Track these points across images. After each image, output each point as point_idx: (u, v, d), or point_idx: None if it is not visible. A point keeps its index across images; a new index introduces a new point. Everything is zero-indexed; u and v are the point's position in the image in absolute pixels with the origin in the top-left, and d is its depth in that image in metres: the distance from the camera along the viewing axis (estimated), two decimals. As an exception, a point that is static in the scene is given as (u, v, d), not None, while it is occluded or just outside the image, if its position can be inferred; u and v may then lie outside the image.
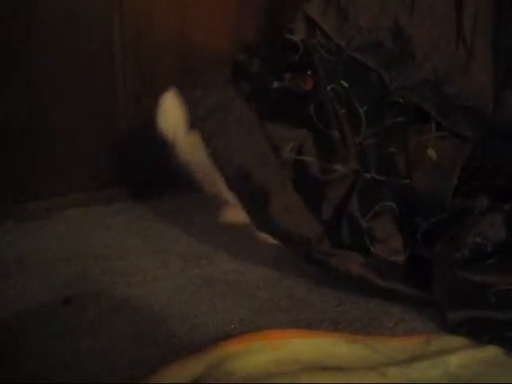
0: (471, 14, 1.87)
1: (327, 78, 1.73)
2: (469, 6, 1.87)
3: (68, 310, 1.45)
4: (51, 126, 1.91)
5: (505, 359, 1.26)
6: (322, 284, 1.56)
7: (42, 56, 1.86)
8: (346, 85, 1.75)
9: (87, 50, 1.93)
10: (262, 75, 1.75)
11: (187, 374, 1.20)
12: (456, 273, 1.43)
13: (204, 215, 1.87)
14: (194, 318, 1.42)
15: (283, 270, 1.63)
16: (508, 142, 1.71)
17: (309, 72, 1.73)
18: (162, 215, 1.95)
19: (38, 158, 1.91)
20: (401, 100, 1.79)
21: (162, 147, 1.66)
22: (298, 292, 1.54)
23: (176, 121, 1.68)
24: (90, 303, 1.47)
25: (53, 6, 1.85)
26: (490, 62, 1.86)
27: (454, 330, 1.36)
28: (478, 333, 1.32)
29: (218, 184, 1.66)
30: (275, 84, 1.71)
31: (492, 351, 1.28)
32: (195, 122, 1.65)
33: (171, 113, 1.69)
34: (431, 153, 1.71)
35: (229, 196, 1.64)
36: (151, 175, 2.02)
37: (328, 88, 1.72)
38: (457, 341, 1.32)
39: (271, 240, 1.67)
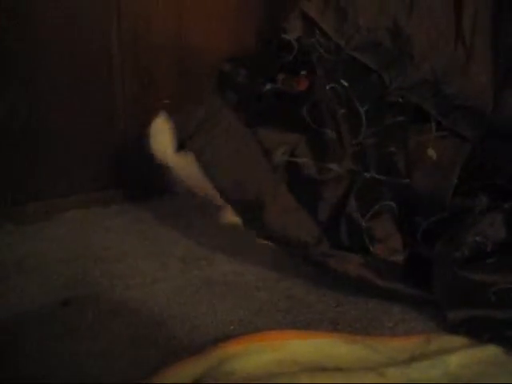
0: (470, 14, 1.87)
1: (326, 77, 1.73)
2: (468, 7, 1.87)
3: (67, 312, 1.45)
4: (51, 126, 1.91)
5: (505, 358, 1.26)
6: (321, 285, 1.56)
7: (41, 56, 1.86)
8: (345, 84, 1.75)
9: (86, 51, 1.93)
10: (249, 83, 1.75)
11: (187, 375, 1.20)
12: (456, 272, 1.43)
13: (203, 217, 1.87)
14: (193, 320, 1.42)
15: (282, 271, 1.63)
16: (507, 142, 1.71)
17: (303, 72, 1.73)
18: (161, 217, 1.95)
19: (37, 158, 1.91)
20: (400, 100, 1.79)
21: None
22: (297, 293, 1.53)
23: (166, 144, 1.70)
24: (89, 305, 1.46)
25: (51, 6, 1.85)
26: (490, 62, 1.86)
27: (454, 329, 1.36)
28: (478, 332, 1.32)
29: (213, 195, 1.67)
30: (268, 86, 1.71)
31: (492, 350, 1.27)
32: (185, 141, 1.66)
33: (161, 137, 1.71)
34: (431, 152, 1.71)
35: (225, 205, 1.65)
36: (150, 176, 2.01)
37: (327, 87, 1.72)
38: (457, 340, 1.32)
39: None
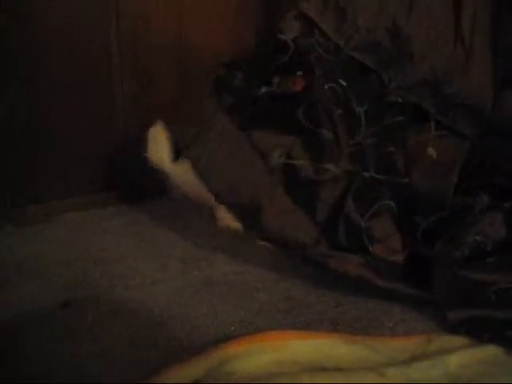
0: (470, 14, 1.87)
1: (325, 77, 1.73)
2: (467, 7, 1.88)
3: (67, 313, 1.45)
4: (51, 125, 1.91)
5: (505, 359, 1.26)
6: (320, 285, 1.55)
7: (41, 56, 1.86)
8: (344, 84, 1.75)
9: (85, 51, 1.93)
10: (245, 86, 1.75)
11: (188, 375, 1.20)
12: (456, 271, 1.43)
13: (200, 218, 1.85)
14: (193, 321, 1.42)
15: (281, 272, 1.63)
16: (507, 140, 1.71)
17: (299, 73, 1.73)
18: (159, 218, 1.94)
19: (37, 159, 1.91)
20: (400, 99, 1.79)
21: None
22: (297, 293, 1.53)
23: (162, 153, 1.71)
24: (89, 307, 1.46)
25: (50, 6, 1.85)
26: (489, 61, 1.86)
27: (454, 329, 1.36)
28: (478, 332, 1.32)
29: (209, 201, 1.68)
30: (263, 89, 1.71)
31: (492, 351, 1.27)
32: (182, 150, 1.66)
33: (157, 146, 1.72)
34: (431, 151, 1.71)
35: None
36: (149, 178, 2.01)
37: (326, 87, 1.72)
38: (457, 340, 1.32)
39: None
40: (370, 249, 1.55)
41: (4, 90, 1.83)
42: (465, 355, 1.26)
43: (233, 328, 1.39)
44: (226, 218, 1.72)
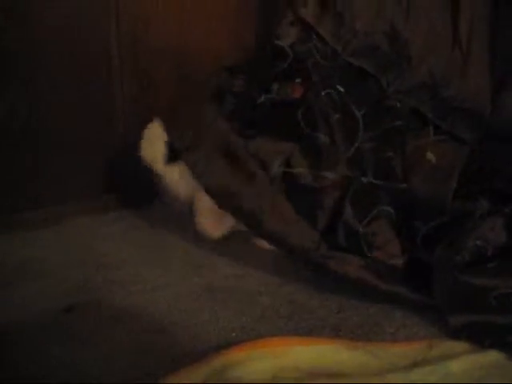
0: (467, 17, 1.88)
1: (322, 83, 1.74)
2: (465, 10, 1.88)
3: (69, 318, 1.44)
4: (51, 126, 1.91)
5: (506, 364, 1.26)
6: (323, 289, 1.55)
7: (41, 56, 1.86)
8: (341, 89, 1.76)
9: (85, 51, 1.93)
10: (245, 93, 1.75)
11: (189, 381, 1.19)
12: (457, 276, 1.43)
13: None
14: (194, 327, 1.42)
15: (283, 276, 1.63)
16: (506, 145, 1.72)
17: (298, 80, 1.73)
18: (160, 222, 1.94)
19: (37, 162, 1.91)
20: (398, 104, 1.80)
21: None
22: (299, 298, 1.53)
23: (157, 153, 1.71)
24: (90, 312, 1.46)
25: (48, 6, 1.84)
26: (487, 64, 1.87)
27: (455, 334, 1.36)
28: (479, 337, 1.32)
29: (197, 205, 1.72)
30: (262, 98, 1.71)
31: (493, 356, 1.27)
32: (181, 153, 1.68)
33: (153, 145, 1.72)
34: (430, 156, 1.72)
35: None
36: (148, 181, 2.01)
37: (323, 93, 1.72)
38: (458, 346, 1.32)
39: (269, 246, 1.68)
40: (369, 255, 1.55)
41: (4, 89, 1.82)
42: (466, 361, 1.26)
43: (234, 334, 1.39)
44: (204, 223, 1.74)
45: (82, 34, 1.91)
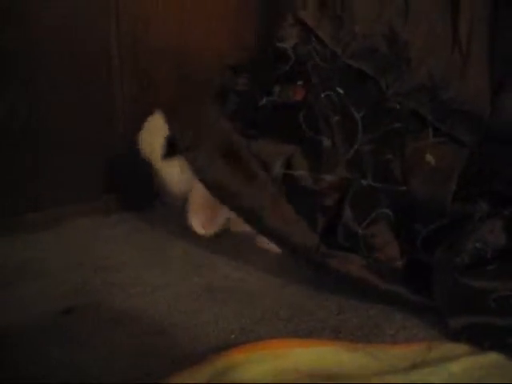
0: (467, 18, 1.88)
1: (322, 86, 1.74)
2: (465, 11, 1.89)
3: (68, 320, 1.44)
4: (51, 126, 1.90)
5: (506, 364, 1.26)
6: (323, 289, 1.55)
7: (41, 56, 1.86)
8: (341, 91, 1.76)
9: (85, 51, 1.92)
10: (248, 93, 1.75)
11: (194, 381, 1.19)
12: (456, 278, 1.43)
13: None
14: (194, 328, 1.41)
15: (282, 277, 1.63)
16: (505, 147, 1.72)
17: (299, 82, 1.73)
18: (161, 223, 1.94)
19: (37, 160, 1.90)
20: (397, 106, 1.80)
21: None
22: (298, 300, 1.53)
23: (155, 146, 1.72)
24: (90, 314, 1.46)
25: (46, 6, 1.84)
26: (486, 65, 1.87)
27: (455, 336, 1.36)
28: (478, 339, 1.32)
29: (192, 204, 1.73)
30: (264, 100, 1.71)
31: (493, 358, 1.27)
32: (182, 151, 1.68)
33: (153, 135, 1.72)
34: (429, 158, 1.72)
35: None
36: (149, 182, 2.01)
37: (322, 95, 1.73)
38: (458, 348, 1.32)
39: (269, 246, 1.68)
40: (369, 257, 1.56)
41: (4, 89, 1.82)
42: (466, 362, 1.26)
43: (233, 336, 1.39)
44: (195, 220, 1.78)
45: (82, 34, 1.91)
